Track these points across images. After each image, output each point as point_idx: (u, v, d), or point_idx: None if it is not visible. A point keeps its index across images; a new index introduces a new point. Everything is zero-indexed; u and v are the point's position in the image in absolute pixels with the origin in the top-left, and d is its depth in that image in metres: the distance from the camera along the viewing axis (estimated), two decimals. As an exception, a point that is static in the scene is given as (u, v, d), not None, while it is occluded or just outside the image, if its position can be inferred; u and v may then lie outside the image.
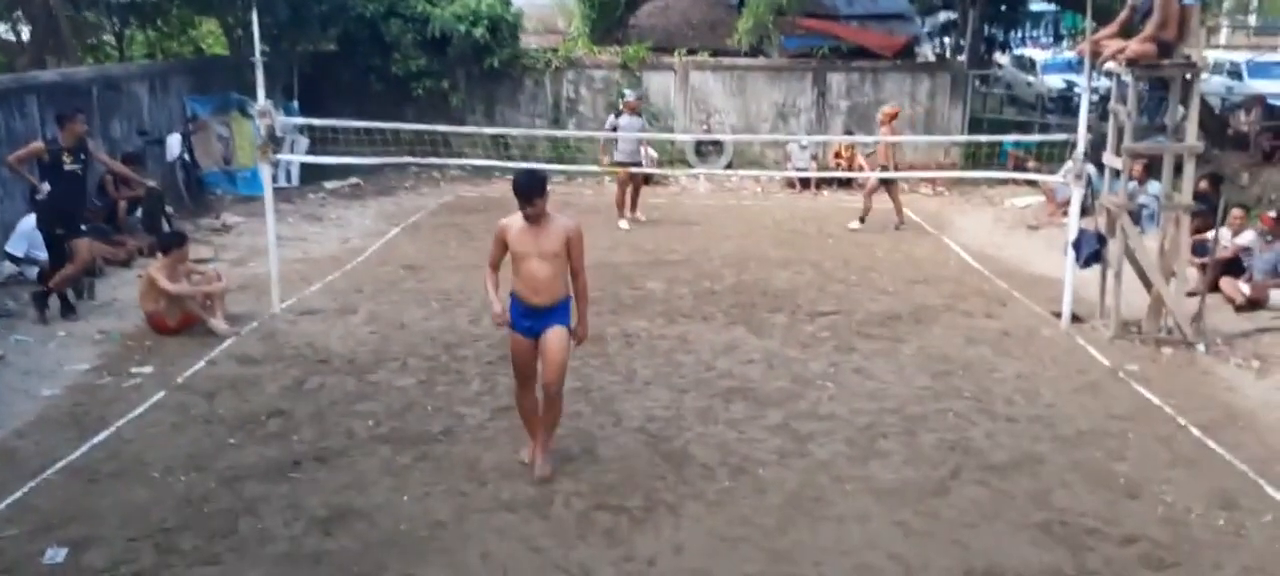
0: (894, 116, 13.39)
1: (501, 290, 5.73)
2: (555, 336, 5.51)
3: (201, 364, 7.55)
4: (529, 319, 5.54)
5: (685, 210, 14.58)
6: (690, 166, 17.27)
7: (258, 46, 8.64)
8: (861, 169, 16.40)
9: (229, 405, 6.78)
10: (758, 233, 12.73)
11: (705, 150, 17.51)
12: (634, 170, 13.17)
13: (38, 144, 8.81)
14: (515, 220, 5.46)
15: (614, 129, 13.20)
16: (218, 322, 8.25)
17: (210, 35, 18.07)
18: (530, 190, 5.35)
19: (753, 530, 5.18)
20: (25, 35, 15.09)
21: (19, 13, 14.85)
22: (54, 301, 8.72)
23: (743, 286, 10.15)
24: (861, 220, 13.16)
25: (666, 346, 8.15)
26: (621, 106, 13.47)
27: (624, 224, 13.01)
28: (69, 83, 12.19)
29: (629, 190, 13.26)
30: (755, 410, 6.80)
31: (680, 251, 11.76)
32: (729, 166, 17.14)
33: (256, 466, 5.83)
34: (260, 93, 8.65)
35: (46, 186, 8.58)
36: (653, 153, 16.68)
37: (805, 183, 16.16)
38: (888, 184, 13.19)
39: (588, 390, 7.11)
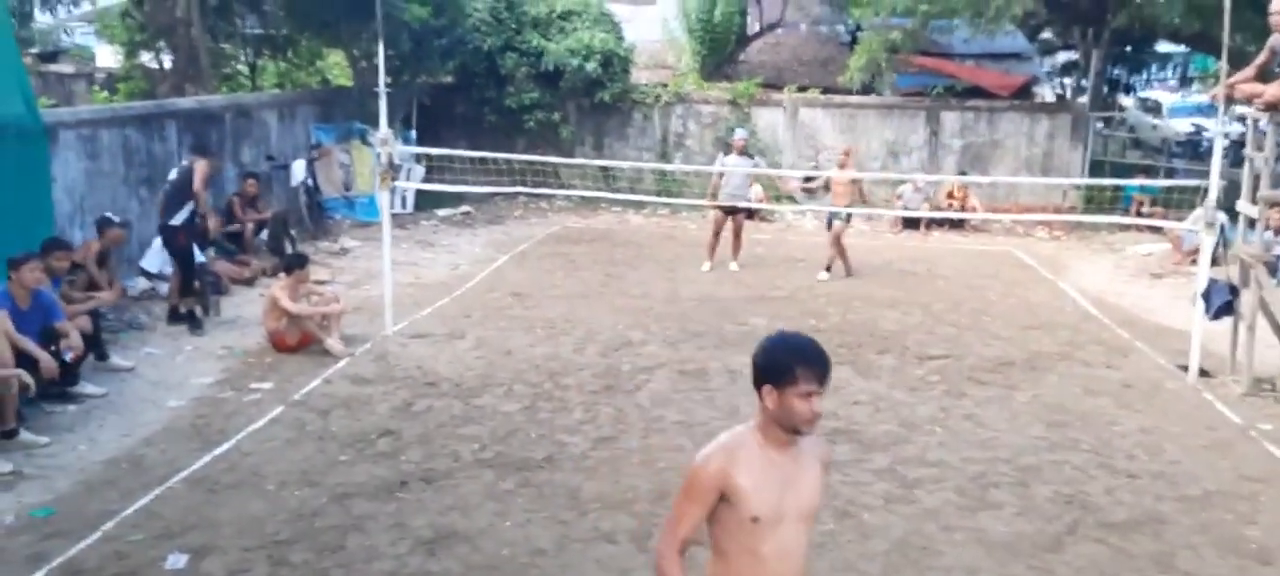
0: (848, 153, 12.93)
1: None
2: None
3: (317, 382, 7.81)
4: None
5: (789, 246, 14.47)
6: (796, 203, 17.13)
7: (381, 78, 8.96)
8: (974, 209, 16.05)
9: (342, 423, 6.98)
10: (865, 272, 12.53)
11: (812, 188, 17.33)
12: (736, 211, 12.51)
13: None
14: (738, 448, 2.87)
15: (722, 171, 12.60)
16: (334, 343, 8.52)
17: (336, 67, 18.82)
18: (825, 369, 2.82)
19: (856, 576, 5.07)
20: (167, 63, 15.98)
21: (163, 43, 15.75)
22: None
23: (848, 326, 10.00)
24: (827, 269, 12.28)
25: (770, 384, 8.05)
26: (730, 144, 13.20)
27: (706, 267, 12.44)
28: (205, 110, 12.85)
29: (730, 234, 12.53)
30: (861, 453, 6.66)
31: (784, 288, 11.66)
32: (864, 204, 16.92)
33: (366, 484, 5.98)
34: (382, 122, 8.95)
35: (188, 209, 9.14)
36: (760, 189, 16.64)
37: (915, 223, 15.86)
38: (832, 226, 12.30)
39: (690, 425, 7.09)
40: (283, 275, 8.96)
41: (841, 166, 12.35)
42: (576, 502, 5.81)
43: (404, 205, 15.64)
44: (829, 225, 12.28)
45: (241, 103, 14.15)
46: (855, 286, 11.78)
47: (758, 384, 2.82)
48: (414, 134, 15.97)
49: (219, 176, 12.59)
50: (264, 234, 12.08)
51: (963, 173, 16.92)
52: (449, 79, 17.78)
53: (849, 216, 12.11)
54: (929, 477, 6.27)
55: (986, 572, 5.11)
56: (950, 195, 16.36)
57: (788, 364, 2.76)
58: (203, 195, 9.46)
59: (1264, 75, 7.98)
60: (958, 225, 15.96)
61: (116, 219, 9.22)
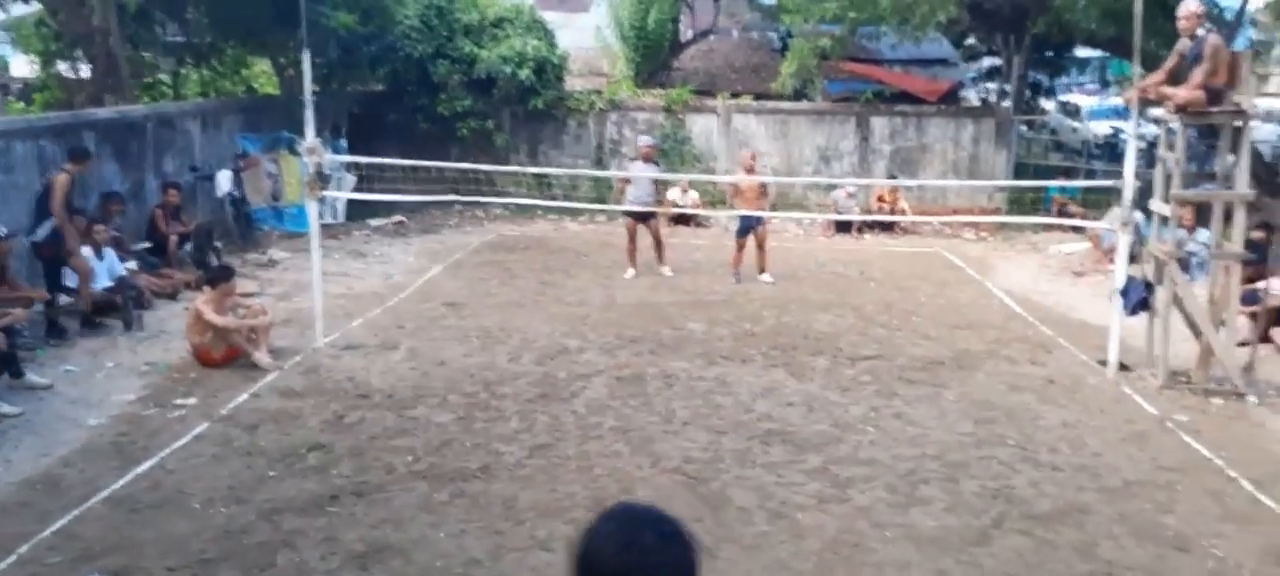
0: (754, 157, 13.08)
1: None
2: None
3: (244, 396, 7.65)
4: None
5: (727, 251, 14.55)
6: (732, 208, 17.25)
7: (308, 86, 8.82)
8: (904, 212, 16.35)
9: (270, 438, 6.85)
10: (799, 275, 12.67)
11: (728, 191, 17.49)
12: (646, 217, 12.35)
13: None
14: None
15: (628, 178, 12.60)
16: (262, 356, 8.36)
17: (262, 75, 18.50)
18: None
19: (790, 575, 5.11)
20: (85, 72, 15.54)
21: (79, 51, 15.31)
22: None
23: (783, 328, 10.10)
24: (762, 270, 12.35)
25: (705, 387, 8.12)
26: (636, 152, 12.98)
27: (630, 274, 12.39)
28: (125, 120, 12.53)
29: (649, 239, 12.44)
30: (794, 454, 6.73)
31: (721, 292, 11.74)
32: (772, 209, 17.09)
33: (295, 499, 5.87)
34: (309, 131, 8.82)
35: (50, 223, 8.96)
36: (695, 194, 16.75)
37: (848, 226, 16.09)
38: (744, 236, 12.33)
39: (626, 430, 7.09)
40: (207, 288, 8.77)
41: (749, 171, 12.45)
42: (512, 512, 5.78)
43: (335, 215, 15.43)
44: (744, 232, 12.27)
45: (164, 112, 13.83)
46: (790, 289, 11.91)
47: None
48: (345, 143, 15.76)
49: (141, 188, 12.33)
50: (188, 246, 11.80)
51: (892, 176, 17.23)
52: (380, 87, 17.61)
53: (761, 220, 12.22)
54: (861, 476, 6.36)
55: (917, 568, 5.20)
56: (881, 199, 16.64)
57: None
58: (59, 211, 9.16)
59: (1174, 78, 8.27)
60: (888, 228, 16.23)
61: (3, 230, 8.85)
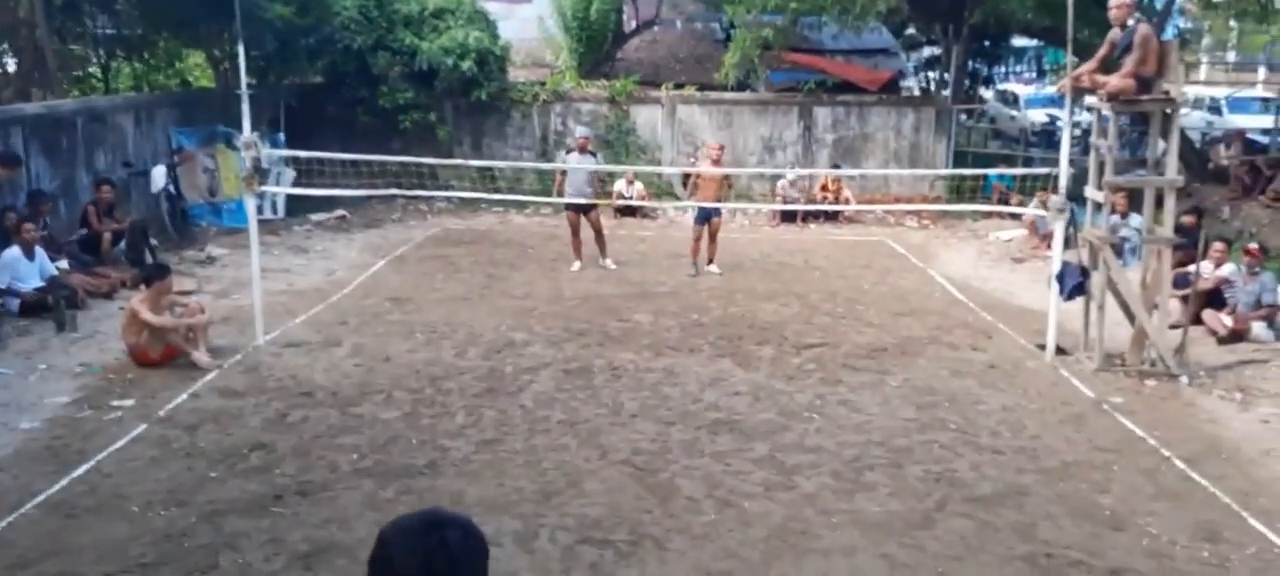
0: (722, 149, 12.94)
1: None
2: None
3: (184, 397, 7.49)
4: None
5: (673, 242, 14.60)
6: (677, 199, 17.31)
7: (243, 79, 8.65)
8: (848, 202, 16.54)
9: (211, 438, 6.72)
10: (745, 265, 12.75)
11: (689, 180, 17.55)
12: (586, 209, 12.24)
13: None
14: None
15: (564, 171, 12.50)
16: (201, 355, 8.19)
17: (197, 68, 18.10)
18: None
19: (738, 564, 5.15)
20: (11, 66, 15.08)
21: (4, 45, 14.84)
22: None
23: (729, 319, 10.16)
24: (711, 261, 12.35)
25: (653, 379, 8.14)
26: (571, 143, 12.77)
27: (576, 266, 12.34)
28: (54, 115, 12.19)
29: (592, 232, 12.39)
30: (741, 443, 6.78)
31: (668, 284, 11.77)
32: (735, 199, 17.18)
33: (238, 501, 5.77)
34: (246, 125, 8.65)
35: None
36: (640, 186, 16.77)
37: (792, 215, 16.22)
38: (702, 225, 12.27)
39: (574, 423, 7.08)
40: (143, 286, 8.56)
41: (715, 162, 12.40)
42: (459, 507, 5.73)
43: (275, 210, 15.16)
44: (702, 221, 12.20)
45: (94, 106, 13.45)
46: (736, 279, 11.97)
47: None
48: (283, 137, 15.48)
49: (72, 185, 12.01)
50: (122, 244, 11.51)
51: (836, 166, 17.42)
52: (318, 79, 17.32)
53: (718, 211, 12.23)
54: (807, 464, 6.43)
55: (862, 553, 5.27)
56: (824, 188, 16.80)
57: None
58: None
59: (1106, 67, 8.46)
60: (832, 217, 16.39)
61: None
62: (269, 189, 12.17)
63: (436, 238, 14.79)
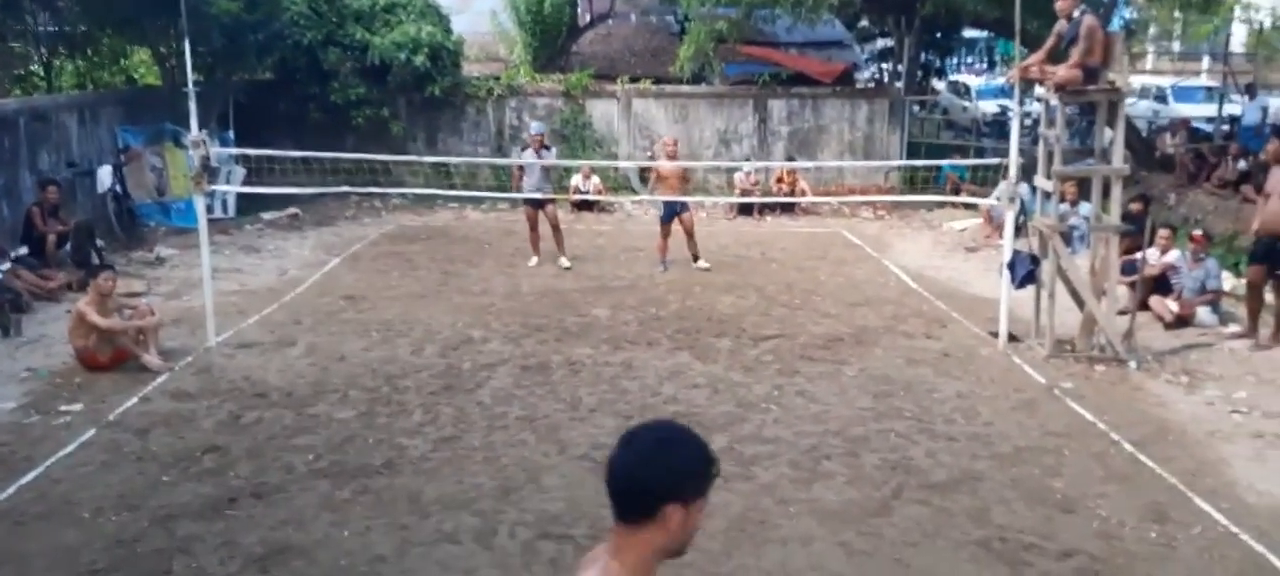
0: (676, 143, 12.89)
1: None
2: None
3: (134, 400, 7.36)
4: None
5: (630, 236, 14.61)
6: (634, 193, 17.32)
7: (190, 76, 8.51)
8: (804, 194, 16.65)
9: (162, 442, 6.61)
10: (702, 258, 12.78)
11: (649, 177, 17.58)
12: (544, 204, 12.11)
13: None
14: None
15: (521, 166, 12.41)
16: (151, 358, 8.05)
17: (142, 65, 17.74)
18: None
19: (698, 555, 5.16)
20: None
21: (-57, 43, 14.48)
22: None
23: (687, 311, 10.19)
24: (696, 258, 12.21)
25: (611, 373, 8.14)
26: (526, 140, 12.50)
27: (533, 261, 12.21)
28: (-5, 114, 11.89)
29: (549, 228, 12.17)
30: (701, 435, 6.77)
31: (625, 277, 11.77)
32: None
33: (191, 504, 5.68)
34: (193, 123, 8.50)
35: None
36: (597, 180, 16.75)
37: (749, 208, 16.29)
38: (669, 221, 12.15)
39: (532, 419, 7.07)
40: (90, 288, 8.39)
41: (671, 157, 12.37)
42: (417, 506, 5.70)
43: (225, 209, 14.93)
44: (669, 218, 12.13)
45: (37, 106, 13.15)
46: (694, 273, 12.00)
47: (660, 502, 2.02)
48: (232, 134, 15.25)
49: (15, 186, 11.74)
50: (68, 245, 11.26)
51: (791, 158, 17.52)
52: (268, 76, 17.06)
53: (686, 206, 12.22)
54: (765, 454, 6.47)
55: (820, 541, 5.32)
56: (780, 180, 16.90)
57: (708, 468, 2.09)
58: None
59: (1054, 57, 8.59)
60: (788, 209, 16.49)
61: None
62: (219, 188, 11.98)
63: (391, 234, 14.66)
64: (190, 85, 8.43)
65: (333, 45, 16.58)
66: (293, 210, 15.33)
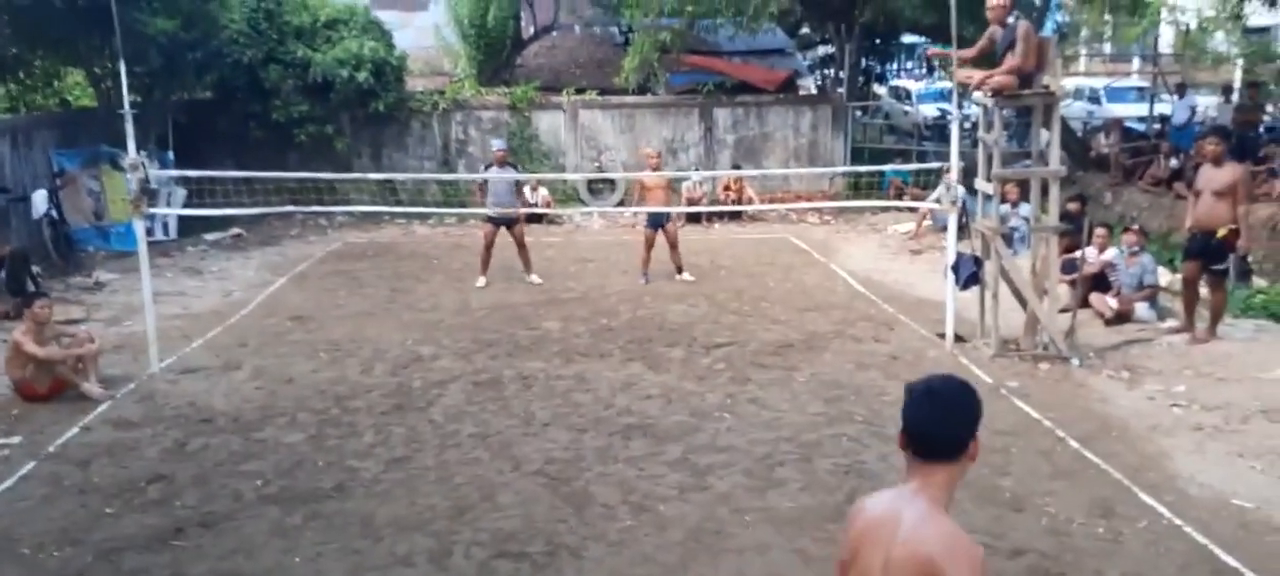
0: (660, 155, 12.90)
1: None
2: None
3: (75, 431, 7.17)
4: None
5: (579, 248, 14.60)
6: (583, 204, 17.32)
7: (126, 97, 8.34)
8: (751, 201, 16.77)
9: (105, 473, 6.45)
10: (652, 267, 12.80)
11: (598, 188, 17.61)
12: (509, 223, 11.93)
13: None
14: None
15: (482, 184, 12.25)
16: (91, 386, 7.86)
17: (77, 87, 17.33)
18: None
19: (655, 568, 5.18)
20: None
21: None
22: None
23: (639, 321, 10.20)
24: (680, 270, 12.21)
25: (564, 386, 8.12)
26: (491, 157, 12.39)
27: (481, 282, 11.90)
28: (-79, 140, 11.54)
29: (515, 247, 12.03)
30: (655, 446, 6.81)
31: (576, 289, 11.76)
32: (621, 203, 17.21)
33: (136, 536, 5.55)
34: (130, 145, 8.32)
35: None
36: (545, 192, 16.71)
37: (698, 216, 16.36)
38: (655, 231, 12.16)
39: (485, 436, 7.02)
40: (26, 317, 8.17)
41: (654, 168, 12.20)
42: (370, 529, 5.63)
43: (166, 231, 14.66)
44: (655, 228, 12.04)
45: (-34, 130, 12.79)
46: (643, 285, 12.00)
47: (968, 439, 2.46)
48: (171, 155, 14.97)
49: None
50: (2, 274, 10.95)
51: (737, 166, 17.65)
52: (208, 95, 16.79)
53: (670, 216, 12.18)
54: (720, 463, 6.49)
55: (776, 549, 5.35)
56: (727, 188, 17.00)
57: (981, 405, 2.53)
58: None
59: (987, 59, 8.76)
60: (736, 216, 16.60)
61: None
62: (159, 210, 11.74)
63: (338, 253, 14.48)
64: (127, 106, 8.26)
65: (274, 63, 16.36)
66: (236, 230, 15.09)
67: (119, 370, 8.55)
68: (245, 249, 14.57)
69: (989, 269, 8.87)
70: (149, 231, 9.30)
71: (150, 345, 8.59)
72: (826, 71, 24.72)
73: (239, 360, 8.92)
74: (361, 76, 16.44)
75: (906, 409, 2.48)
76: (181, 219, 14.34)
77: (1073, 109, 21.74)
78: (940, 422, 2.46)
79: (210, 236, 14.78)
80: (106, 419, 7.45)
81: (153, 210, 9.63)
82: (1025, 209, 11.60)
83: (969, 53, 8.82)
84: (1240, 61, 20.25)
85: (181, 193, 14.36)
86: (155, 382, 8.27)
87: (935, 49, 9.20)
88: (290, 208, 12.16)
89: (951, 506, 2.46)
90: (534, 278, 12.11)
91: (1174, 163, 14.41)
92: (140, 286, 8.75)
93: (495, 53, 20.49)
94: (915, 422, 2.47)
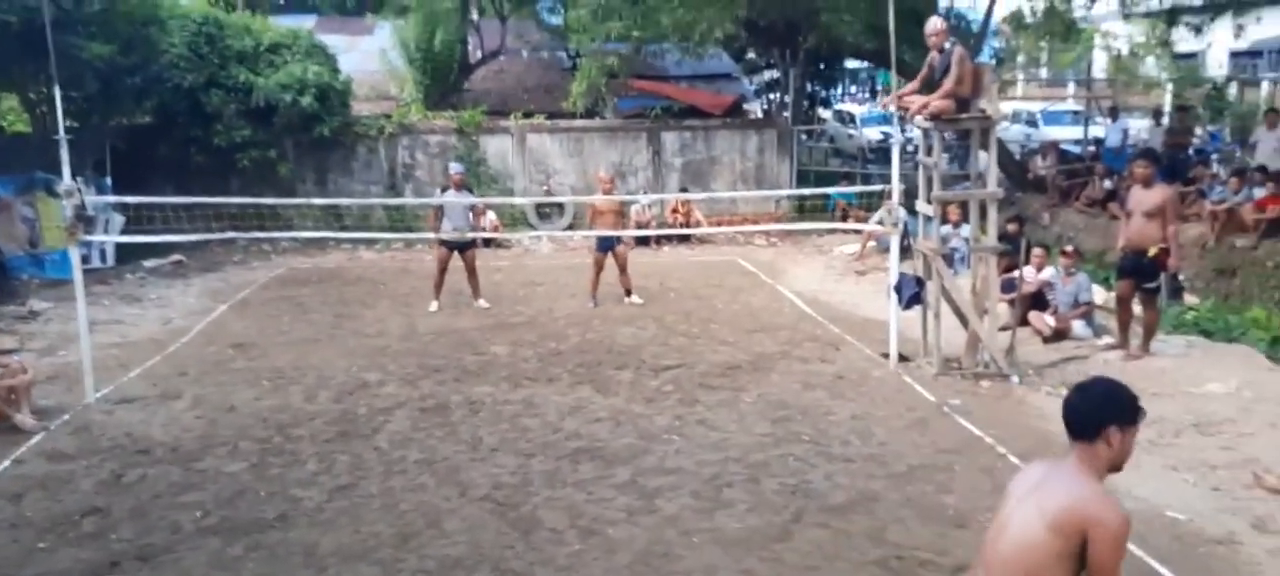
0: (613, 179, 13.08)
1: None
2: None
3: (6, 464, 6.97)
4: None
5: (528, 271, 14.56)
6: (532, 228, 17.30)
7: (61, 123, 8.18)
8: (699, 224, 16.88)
9: (38, 507, 6.27)
10: (601, 290, 12.82)
11: (546, 212, 17.62)
12: (464, 247, 11.93)
13: None
14: None
15: (441, 207, 12.12)
16: (24, 418, 7.65)
17: (10, 112, 16.96)
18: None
19: (603, 592, 5.16)
20: None
21: None
22: None
23: (588, 345, 10.20)
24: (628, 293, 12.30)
25: (512, 411, 8.08)
26: (445, 181, 12.29)
27: (433, 307, 11.83)
28: None
29: (463, 271, 11.99)
30: (603, 469, 6.80)
31: (524, 313, 11.73)
32: (570, 227, 17.23)
33: (70, 571, 5.40)
34: (65, 171, 8.15)
35: None
36: (493, 216, 16.66)
37: (646, 239, 16.42)
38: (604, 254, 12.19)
39: (432, 462, 6.96)
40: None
41: (606, 192, 12.27)
42: (313, 559, 5.54)
43: (103, 259, 14.32)
44: (605, 251, 12.04)
45: (-107, 156, 12.43)
46: (592, 309, 12.01)
47: (1100, 426, 2.99)
48: (109, 181, 14.67)
49: None
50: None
51: (685, 189, 17.77)
52: (147, 120, 16.52)
53: (620, 239, 12.18)
54: (668, 486, 6.50)
55: (723, 570, 5.37)
56: (675, 211, 17.10)
57: (1136, 404, 3.03)
58: None
59: (928, 86, 8.95)
60: (685, 239, 16.70)
61: None
62: (95, 237, 11.50)
63: (282, 278, 14.29)
64: (62, 132, 8.09)
65: (215, 87, 16.16)
66: (176, 257, 14.81)
67: (53, 401, 8.33)
68: (186, 275, 14.31)
69: (931, 289, 9.02)
70: (85, 259, 9.11)
71: (86, 375, 8.39)
72: (772, 96, 25.01)
73: (178, 389, 8.75)
74: (305, 101, 16.29)
75: (1066, 397, 3.09)
76: (120, 245, 14.05)
77: (1010, 132, 22.26)
78: (1076, 409, 3.03)
79: (149, 263, 14.49)
80: (40, 451, 7.25)
81: (88, 237, 9.44)
82: (966, 230, 11.84)
83: (913, 86, 9.00)
84: (1170, 86, 20.92)
85: (119, 219, 14.08)
86: (91, 413, 8.07)
87: (886, 99, 9.37)
88: (232, 233, 11.96)
89: (1103, 482, 2.97)
90: (482, 302, 12.06)
91: (1108, 184, 14.80)
92: (76, 315, 8.55)
93: (442, 77, 20.43)
94: (1065, 407, 3.07)
